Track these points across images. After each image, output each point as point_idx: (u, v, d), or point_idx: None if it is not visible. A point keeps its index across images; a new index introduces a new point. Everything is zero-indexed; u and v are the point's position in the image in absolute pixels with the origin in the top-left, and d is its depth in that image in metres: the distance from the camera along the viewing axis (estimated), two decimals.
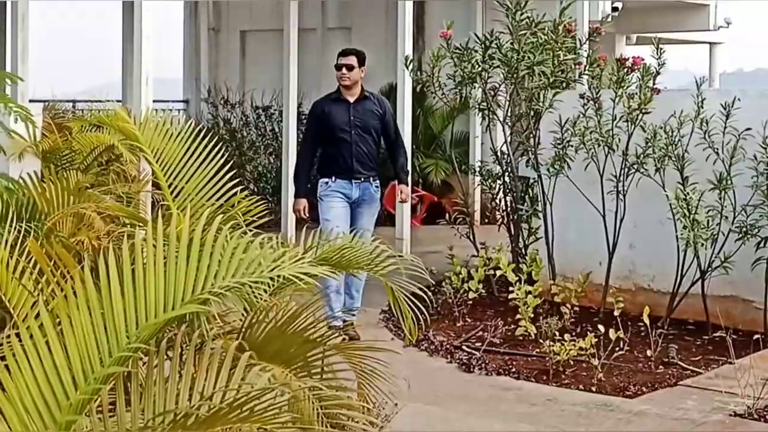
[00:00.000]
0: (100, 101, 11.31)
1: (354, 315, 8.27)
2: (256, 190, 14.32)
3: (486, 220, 13.49)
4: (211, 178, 4.68)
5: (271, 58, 15.23)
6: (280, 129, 14.22)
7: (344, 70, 8.39)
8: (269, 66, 15.48)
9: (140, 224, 4.36)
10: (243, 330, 4.20)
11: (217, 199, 4.66)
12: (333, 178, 8.29)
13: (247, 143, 14.51)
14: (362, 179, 8.31)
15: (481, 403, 6.70)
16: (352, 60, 8.40)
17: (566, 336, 7.55)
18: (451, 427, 6.27)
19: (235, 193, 4.66)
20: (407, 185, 8.82)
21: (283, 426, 2.97)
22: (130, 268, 2.97)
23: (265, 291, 4.18)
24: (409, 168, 9.55)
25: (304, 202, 8.41)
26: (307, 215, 8.35)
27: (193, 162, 4.68)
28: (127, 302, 2.98)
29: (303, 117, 14.74)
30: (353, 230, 7.69)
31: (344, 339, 7.35)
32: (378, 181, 8.48)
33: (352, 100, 8.42)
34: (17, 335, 2.90)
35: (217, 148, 4.71)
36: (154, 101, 18.01)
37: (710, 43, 17.59)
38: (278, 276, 3.21)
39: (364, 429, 3.88)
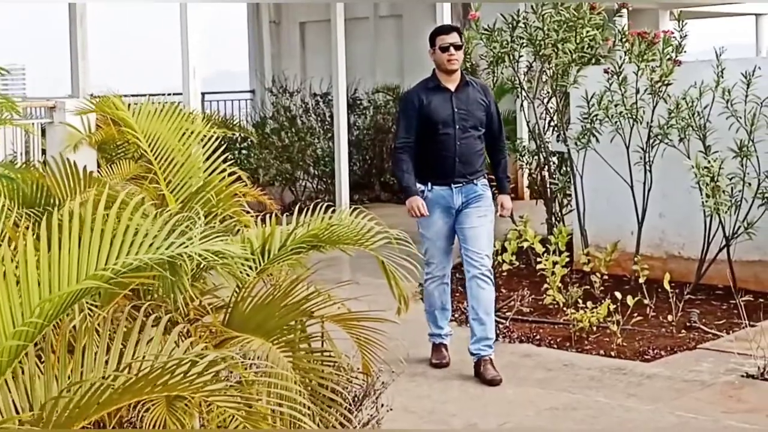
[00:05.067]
0: (156, 95, 11.81)
1: (490, 348, 6.88)
2: (315, 172, 14.77)
3: (535, 195, 13.70)
4: (205, 161, 5.00)
5: (329, 47, 15.64)
6: None
7: (452, 50, 6.80)
8: (327, 55, 15.90)
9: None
10: (230, 305, 4.53)
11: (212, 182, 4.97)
12: (430, 186, 6.89)
13: (306, 129, 14.95)
14: (464, 183, 6.89)
15: (499, 370, 6.84)
16: (457, 38, 6.87)
17: (593, 303, 7.76)
18: (466, 392, 6.50)
19: (226, 177, 4.96)
20: (509, 194, 7.26)
21: (213, 393, 3.14)
22: (45, 246, 3.20)
23: (251, 267, 4.51)
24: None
25: (418, 200, 6.82)
26: (426, 213, 6.86)
27: (187, 146, 5.00)
28: (41, 277, 3.19)
29: (358, 101, 15.18)
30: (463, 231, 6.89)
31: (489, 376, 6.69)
32: (485, 180, 7.03)
33: (453, 87, 6.88)
34: None
35: (211, 132, 5.02)
36: (223, 92, 18.74)
37: (756, 15, 17.47)
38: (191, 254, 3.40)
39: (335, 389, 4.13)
